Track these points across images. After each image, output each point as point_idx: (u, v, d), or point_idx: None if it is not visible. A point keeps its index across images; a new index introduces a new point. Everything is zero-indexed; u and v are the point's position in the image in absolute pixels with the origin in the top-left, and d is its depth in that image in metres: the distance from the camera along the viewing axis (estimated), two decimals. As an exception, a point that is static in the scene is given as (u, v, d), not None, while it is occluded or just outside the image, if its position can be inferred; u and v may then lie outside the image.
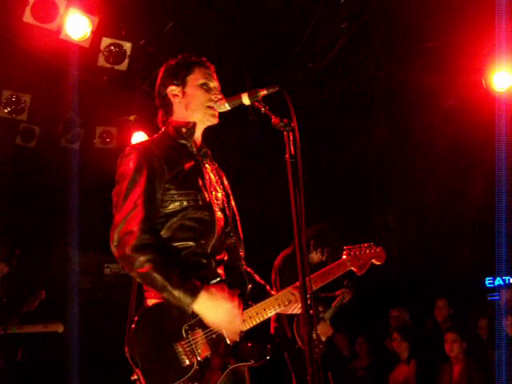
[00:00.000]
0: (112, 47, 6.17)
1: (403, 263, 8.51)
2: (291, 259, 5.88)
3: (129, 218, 2.80)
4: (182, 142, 3.11)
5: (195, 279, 2.79)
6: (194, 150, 3.13)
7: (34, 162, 7.82)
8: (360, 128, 8.34)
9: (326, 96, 7.61)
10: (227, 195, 3.23)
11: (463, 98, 7.35)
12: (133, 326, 2.75)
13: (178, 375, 2.72)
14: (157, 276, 2.72)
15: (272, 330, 5.84)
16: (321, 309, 6.16)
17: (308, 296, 2.49)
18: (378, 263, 3.50)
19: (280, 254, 6.08)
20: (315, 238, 6.17)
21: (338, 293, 6.34)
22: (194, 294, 2.73)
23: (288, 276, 5.67)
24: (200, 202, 2.96)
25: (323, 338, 6.14)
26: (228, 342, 2.85)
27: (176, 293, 2.71)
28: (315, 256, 6.13)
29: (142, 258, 2.73)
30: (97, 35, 5.97)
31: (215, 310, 2.77)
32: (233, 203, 3.28)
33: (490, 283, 9.27)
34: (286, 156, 2.62)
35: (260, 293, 3.11)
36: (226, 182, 3.28)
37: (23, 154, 7.67)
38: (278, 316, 5.55)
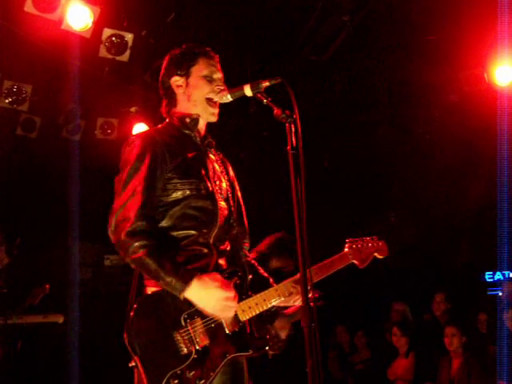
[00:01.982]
0: (113, 38, 6.15)
1: (404, 258, 8.51)
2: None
3: (127, 204, 2.82)
4: (186, 132, 3.11)
5: (189, 267, 2.80)
6: (198, 140, 3.13)
7: (34, 152, 7.82)
8: (361, 121, 8.33)
9: (327, 89, 7.59)
10: (232, 186, 3.22)
11: (465, 92, 7.33)
12: (132, 313, 2.76)
13: (176, 363, 2.72)
14: (150, 262, 2.74)
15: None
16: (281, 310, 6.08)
17: (309, 288, 2.49)
18: (381, 257, 3.48)
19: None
20: (273, 246, 6.11)
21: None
22: (186, 281, 2.73)
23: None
24: (203, 192, 2.97)
25: (282, 335, 6.06)
26: (227, 332, 2.86)
27: (168, 279, 2.72)
28: (275, 263, 6.07)
29: (136, 244, 2.75)
30: (98, 26, 5.94)
31: (207, 298, 2.77)
32: (239, 194, 3.28)
33: (489, 277, 9.29)
34: (288, 147, 2.62)
35: (260, 284, 3.11)
36: (231, 173, 3.28)
37: (24, 145, 7.66)
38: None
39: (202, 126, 3.17)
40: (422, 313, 8.34)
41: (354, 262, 3.39)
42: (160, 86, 3.23)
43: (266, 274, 3.24)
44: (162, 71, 3.22)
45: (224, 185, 3.14)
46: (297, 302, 3.11)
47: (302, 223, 2.54)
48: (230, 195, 3.15)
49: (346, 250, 3.39)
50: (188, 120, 3.11)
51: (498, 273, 9.14)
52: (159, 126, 3.17)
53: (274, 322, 5.59)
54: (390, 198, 9.37)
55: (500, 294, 8.43)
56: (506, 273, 8.82)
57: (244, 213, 3.29)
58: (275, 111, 2.72)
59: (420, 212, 9.36)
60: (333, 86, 7.51)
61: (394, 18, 6.43)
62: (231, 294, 2.83)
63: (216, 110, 3.12)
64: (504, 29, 6.23)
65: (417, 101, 7.78)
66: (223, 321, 2.86)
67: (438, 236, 9.45)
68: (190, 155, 3.01)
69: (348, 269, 3.43)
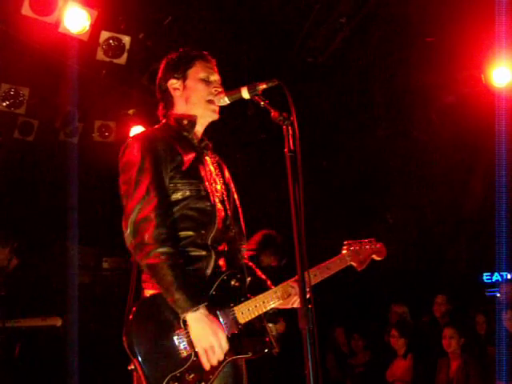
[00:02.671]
0: (111, 41, 6.15)
1: (402, 259, 8.52)
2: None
3: (143, 204, 2.79)
4: (184, 133, 3.11)
5: (200, 293, 2.77)
6: (195, 141, 3.13)
7: (32, 155, 7.81)
8: (359, 123, 8.33)
9: (324, 91, 7.60)
10: (227, 188, 3.22)
11: (462, 93, 7.34)
12: (130, 316, 2.76)
13: (175, 366, 2.72)
14: (167, 272, 2.70)
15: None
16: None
17: (308, 290, 2.49)
18: (379, 259, 3.47)
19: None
20: (261, 243, 6.13)
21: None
22: (194, 304, 2.70)
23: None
24: (202, 193, 2.97)
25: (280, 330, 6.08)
26: (226, 334, 2.85)
27: (177, 296, 2.69)
28: (265, 259, 6.10)
29: (160, 249, 2.72)
30: (95, 29, 5.94)
31: (203, 331, 2.71)
32: (235, 196, 3.28)
33: (488, 279, 9.29)
34: (285, 150, 2.62)
35: (259, 286, 3.11)
36: (227, 175, 3.28)
37: (21, 148, 7.65)
38: None
39: (199, 128, 3.17)
40: (420, 314, 8.34)
41: (353, 264, 3.38)
42: (157, 90, 3.23)
43: (264, 276, 3.24)
44: (159, 75, 3.22)
45: (219, 187, 3.14)
46: (295, 303, 3.11)
47: (300, 225, 2.54)
48: (225, 198, 3.15)
49: (344, 252, 3.38)
50: (185, 122, 3.11)
51: (496, 274, 9.15)
52: (156, 126, 3.17)
53: (276, 324, 5.60)
54: (388, 200, 9.38)
55: (498, 294, 8.43)
56: (504, 274, 8.83)
57: (241, 215, 3.29)
58: (272, 113, 2.72)
59: (418, 213, 9.36)
60: (330, 87, 7.52)
61: (391, 20, 6.44)
62: (224, 346, 2.75)
63: (216, 107, 3.12)
64: (501, 30, 6.24)
65: (414, 102, 7.79)
66: (223, 323, 2.85)
67: (436, 237, 9.46)
68: (188, 156, 3.01)
69: (346, 270, 3.43)
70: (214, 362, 2.74)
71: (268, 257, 6.03)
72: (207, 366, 2.74)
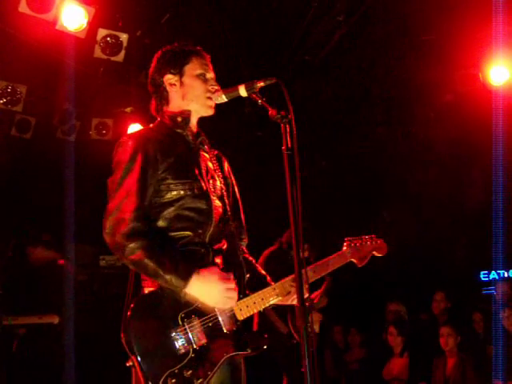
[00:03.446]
0: (108, 38, 6.14)
1: (400, 257, 8.52)
2: (274, 257, 5.89)
3: (122, 205, 2.81)
4: (178, 131, 3.10)
5: (187, 263, 2.80)
6: (190, 138, 3.12)
7: (29, 153, 7.80)
8: (356, 121, 8.34)
9: (322, 89, 7.60)
10: (226, 182, 3.21)
11: (460, 92, 7.35)
12: (129, 313, 2.76)
13: (173, 362, 2.72)
14: (148, 262, 2.75)
15: (255, 327, 5.78)
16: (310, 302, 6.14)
17: (306, 287, 2.50)
18: (379, 255, 3.48)
19: (264, 252, 6.07)
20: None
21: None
22: (185, 277, 2.76)
23: (271, 273, 5.66)
24: (196, 191, 2.96)
25: (316, 328, 6.12)
26: (225, 331, 2.85)
27: (168, 277, 2.74)
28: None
29: (132, 245, 2.75)
30: (93, 26, 5.93)
31: (208, 291, 2.80)
32: (235, 189, 3.28)
33: (485, 277, 9.30)
34: (283, 148, 2.62)
35: (258, 282, 3.11)
36: (226, 169, 3.27)
37: (19, 146, 7.64)
38: (264, 312, 5.53)
39: (193, 123, 3.16)
40: (417, 312, 8.35)
41: (353, 260, 3.39)
42: (149, 83, 3.19)
43: (263, 272, 3.24)
44: (153, 68, 3.18)
45: (218, 183, 3.13)
46: (295, 301, 3.10)
47: (297, 223, 2.54)
48: (224, 193, 3.14)
49: (345, 248, 3.39)
50: (180, 119, 3.10)
51: (493, 272, 9.16)
52: (151, 125, 3.15)
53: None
54: (385, 198, 9.39)
55: (495, 293, 8.44)
56: (501, 272, 8.84)
57: (241, 208, 3.29)
58: (270, 111, 2.72)
59: (415, 211, 9.37)
60: (328, 86, 7.52)
61: (389, 18, 6.44)
62: (231, 285, 2.86)
63: (213, 103, 3.11)
64: (499, 29, 6.25)
65: (412, 100, 7.79)
66: (220, 320, 2.86)
67: (433, 235, 9.46)
68: (183, 155, 3.01)
69: (345, 268, 3.43)
70: (233, 304, 2.87)
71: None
72: (228, 315, 2.85)
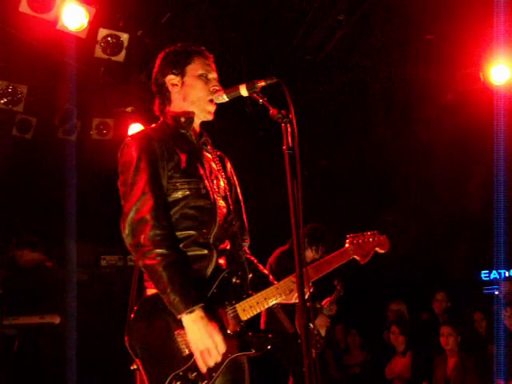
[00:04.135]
0: (109, 38, 6.14)
1: (400, 257, 8.52)
2: (288, 255, 5.88)
3: (139, 205, 2.79)
4: (182, 131, 3.10)
5: (197, 294, 2.75)
6: (194, 138, 3.12)
7: (30, 153, 7.80)
8: (358, 121, 8.33)
9: (322, 88, 7.59)
10: (230, 183, 3.21)
11: (461, 91, 7.35)
12: (132, 315, 2.76)
13: (178, 365, 2.72)
14: (163, 274, 2.70)
15: (262, 325, 5.78)
16: (318, 305, 6.17)
17: (310, 284, 2.49)
18: (382, 251, 3.45)
19: (276, 251, 6.06)
20: (309, 235, 6.17)
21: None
22: (188, 306, 2.69)
23: (284, 272, 5.65)
24: (202, 191, 2.96)
25: (322, 332, 6.13)
26: (228, 332, 2.85)
27: (172, 297, 2.69)
28: (310, 253, 6.12)
29: (156, 251, 2.72)
30: (94, 26, 5.93)
31: (198, 333, 2.70)
32: (238, 190, 3.28)
33: (486, 276, 9.31)
34: (284, 147, 2.62)
35: (261, 282, 3.10)
36: (229, 169, 3.27)
37: (19, 146, 7.64)
38: (272, 310, 5.52)
39: (196, 124, 3.16)
40: (419, 312, 8.35)
41: (356, 257, 3.37)
42: (153, 83, 3.20)
43: (266, 272, 3.24)
44: (156, 68, 3.19)
45: (222, 183, 3.13)
46: (297, 299, 3.10)
47: (298, 222, 2.54)
48: (227, 193, 3.14)
49: (347, 245, 3.37)
50: (183, 119, 3.10)
51: (495, 272, 9.16)
52: (153, 125, 3.15)
53: (315, 320, 5.61)
54: (386, 197, 9.38)
55: (496, 292, 8.44)
56: (503, 271, 8.84)
57: (243, 209, 3.28)
58: (271, 111, 2.71)
59: (416, 211, 9.36)
60: (328, 85, 7.51)
61: (390, 17, 6.43)
62: (220, 348, 2.73)
63: (213, 109, 3.11)
64: (499, 28, 6.24)
65: (413, 100, 7.78)
66: (224, 320, 2.85)
67: (434, 235, 9.46)
68: (187, 155, 3.00)
69: (347, 267, 3.42)
70: (211, 364, 2.73)
71: (315, 250, 6.07)
72: (203, 369, 2.72)
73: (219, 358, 2.74)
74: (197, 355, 2.72)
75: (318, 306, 6.17)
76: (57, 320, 6.77)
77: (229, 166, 3.29)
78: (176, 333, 2.75)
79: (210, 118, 3.14)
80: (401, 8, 6.30)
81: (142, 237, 2.74)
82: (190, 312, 2.69)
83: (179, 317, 2.70)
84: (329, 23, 6.29)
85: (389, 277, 8.98)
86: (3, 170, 7.59)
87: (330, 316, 6.26)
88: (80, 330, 7.43)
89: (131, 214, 2.79)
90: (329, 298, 6.32)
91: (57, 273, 7.17)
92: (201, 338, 2.69)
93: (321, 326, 6.08)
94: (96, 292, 8.85)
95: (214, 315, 2.80)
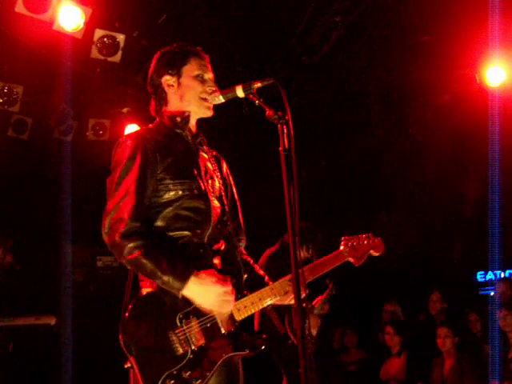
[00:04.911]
0: (105, 39, 6.14)
1: (396, 258, 8.54)
2: (276, 257, 5.89)
3: (120, 205, 2.81)
4: (177, 131, 3.09)
5: (185, 264, 2.79)
6: (190, 138, 3.11)
7: (26, 154, 7.79)
8: (353, 123, 8.34)
9: (319, 90, 7.60)
10: (225, 183, 3.21)
11: (457, 93, 7.37)
12: (127, 314, 2.76)
13: (171, 364, 2.72)
14: (146, 262, 2.74)
15: (256, 327, 5.78)
16: (309, 305, 6.16)
17: (305, 286, 2.49)
18: (377, 254, 3.44)
19: (265, 252, 6.07)
20: (300, 235, 6.15)
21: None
22: (183, 278, 2.74)
23: (273, 274, 5.66)
24: (195, 191, 2.95)
25: (314, 332, 6.13)
26: (223, 332, 2.85)
27: (165, 278, 2.73)
28: (301, 253, 6.12)
29: (130, 245, 2.74)
30: (90, 27, 5.93)
31: (205, 294, 2.77)
32: (234, 190, 3.28)
33: (481, 277, 9.33)
34: (280, 148, 2.62)
35: (256, 283, 3.10)
36: (225, 170, 3.26)
37: (15, 146, 7.63)
38: (265, 311, 5.52)
39: (192, 123, 3.15)
40: (414, 313, 8.36)
41: (350, 259, 3.35)
42: (148, 84, 3.19)
43: (261, 272, 3.23)
44: (152, 69, 3.18)
45: (217, 183, 3.12)
46: (292, 300, 3.10)
47: (294, 223, 2.55)
48: (223, 193, 3.13)
49: (342, 247, 3.36)
50: (179, 119, 3.09)
51: (490, 273, 9.18)
52: (150, 125, 3.15)
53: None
54: (382, 198, 9.39)
55: (492, 293, 8.46)
56: (498, 272, 8.86)
57: (239, 209, 3.28)
58: (267, 112, 2.71)
59: (412, 212, 9.38)
60: (325, 86, 7.52)
61: (386, 19, 6.45)
62: (228, 288, 2.83)
63: (211, 104, 3.10)
64: (495, 30, 6.26)
65: (409, 101, 7.81)
66: (218, 320, 2.85)
67: (430, 236, 9.47)
68: (181, 155, 3.00)
69: (341, 269, 3.42)
70: (229, 309, 2.84)
71: (305, 249, 6.06)
72: (226, 316, 2.82)
73: (233, 299, 2.84)
74: (215, 310, 2.81)
75: (309, 306, 6.17)
76: (52, 321, 6.76)
77: (225, 166, 3.28)
78: (170, 331, 2.76)
79: (209, 113, 3.13)
80: (397, 9, 6.32)
81: (117, 235, 2.76)
82: (187, 283, 2.74)
83: (180, 294, 2.75)
84: (325, 24, 6.30)
85: (384, 277, 8.98)
86: (-1, 170, 7.58)
87: (321, 315, 6.25)
88: (76, 330, 7.42)
89: (112, 213, 2.81)
90: (320, 297, 6.30)
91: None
92: (208, 294, 2.77)
93: (312, 326, 6.07)
94: (92, 293, 8.84)
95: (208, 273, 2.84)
